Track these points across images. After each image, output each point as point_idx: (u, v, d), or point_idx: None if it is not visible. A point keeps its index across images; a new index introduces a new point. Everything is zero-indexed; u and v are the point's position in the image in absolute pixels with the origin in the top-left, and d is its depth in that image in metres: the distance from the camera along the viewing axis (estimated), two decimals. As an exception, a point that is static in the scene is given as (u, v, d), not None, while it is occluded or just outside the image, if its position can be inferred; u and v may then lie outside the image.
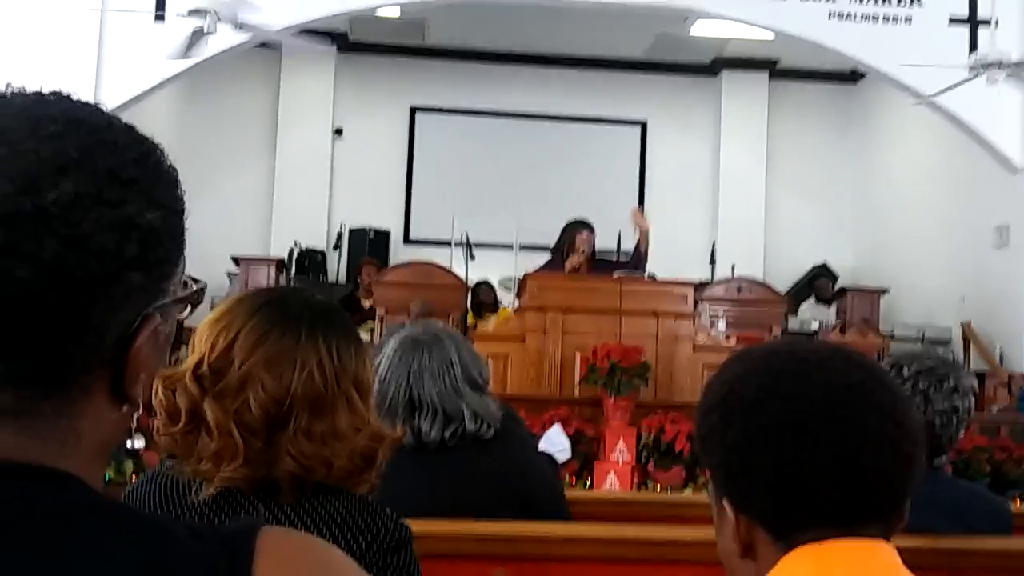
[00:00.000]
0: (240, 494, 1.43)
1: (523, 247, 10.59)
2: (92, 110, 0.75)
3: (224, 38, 7.54)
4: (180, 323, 0.82)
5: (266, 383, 1.41)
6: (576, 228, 7.35)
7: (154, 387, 1.40)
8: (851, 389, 1.08)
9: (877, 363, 1.19)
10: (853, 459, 1.06)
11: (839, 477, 1.06)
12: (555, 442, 4.66)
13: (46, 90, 0.75)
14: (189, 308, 0.82)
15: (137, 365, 0.75)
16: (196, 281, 0.81)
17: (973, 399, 2.43)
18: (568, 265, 7.14)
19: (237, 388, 1.41)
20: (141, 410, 0.78)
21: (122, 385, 0.75)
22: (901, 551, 1.10)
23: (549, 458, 3.60)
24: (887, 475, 1.07)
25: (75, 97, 0.75)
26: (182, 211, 0.77)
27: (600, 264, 7.27)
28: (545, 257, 9.95)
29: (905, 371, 2.35)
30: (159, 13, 7.97)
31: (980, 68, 7.74)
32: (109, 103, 6.89)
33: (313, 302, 1.54)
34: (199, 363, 1.44)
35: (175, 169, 0.77)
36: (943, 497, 2.33)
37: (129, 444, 0.81)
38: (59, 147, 0.70)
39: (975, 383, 2.47)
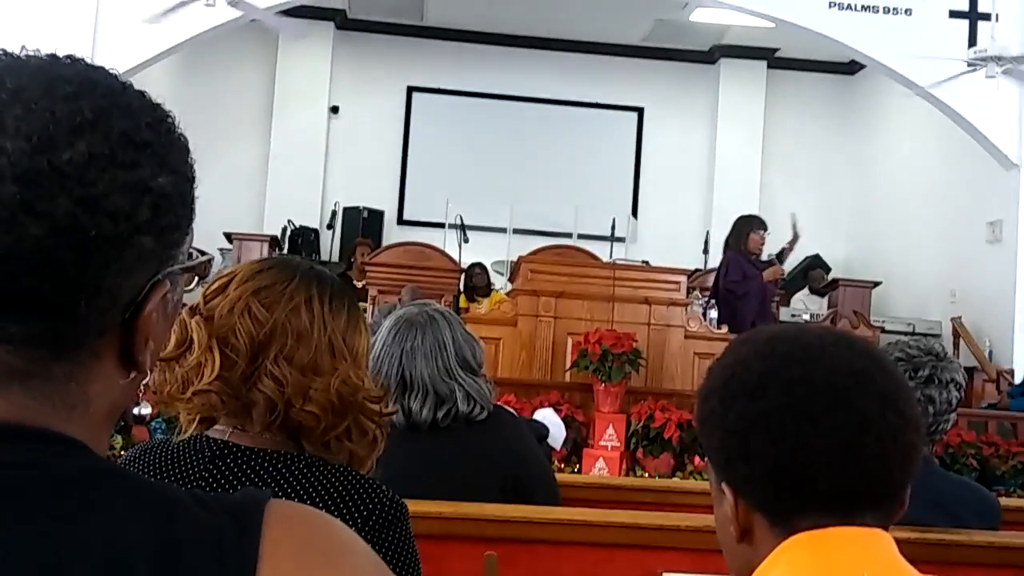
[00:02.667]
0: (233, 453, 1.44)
1: (517, 231, 10.57)
2: (106, 73, 0.75)
3: (219, 13, 7.50)
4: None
5: (253, 309, 1.45)
6: (757, 226, 7.88)
7: None
8: (854, 376, 1.08)
9: (881, 351, 1.18)
10: (854, 446, 1.05)
11: (839, 463, 1.05)
12: (553, 423, 4.67)
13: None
14: (196, 279, 0.81)
15: (147, 331, 0.75)
16: (203, 253, 0.81)
17: (957, 391, 2.40)
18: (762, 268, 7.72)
19: (226, 313, 1.46)
20: (148, 377, 0.77)
21: (131, 351, 0.75)
22: (890, 543, 1.09)
23: (542, 438, 3.60)
24: (887, 462, 1.07)
25: (89, 60, 0.75)
26: (193, 179, 0.77)
27: (762, 263, 7.89)
28: (540, 242, 9.96)
29: None
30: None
31: (979, 62, 7.75)
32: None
33: (317, 267, 1.61)
34: (197, 305, 1.49)
35: (186, 137, 0.77)
36: (934, 489, 2.34)
37: (136, 411, 0.81)
38: (74, 108, 0.70)
39: (959, 376, 2.44)
